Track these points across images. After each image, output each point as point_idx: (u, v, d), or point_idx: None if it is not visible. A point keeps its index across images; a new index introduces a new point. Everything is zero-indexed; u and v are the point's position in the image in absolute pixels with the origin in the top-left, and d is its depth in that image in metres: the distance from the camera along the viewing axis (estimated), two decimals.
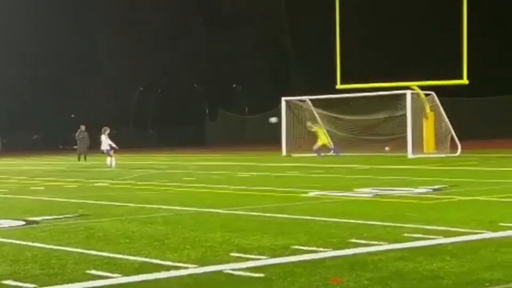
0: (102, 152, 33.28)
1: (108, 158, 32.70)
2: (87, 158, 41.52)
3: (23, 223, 12.27)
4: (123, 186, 20.97)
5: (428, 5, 66.13)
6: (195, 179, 23.25)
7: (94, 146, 45.45)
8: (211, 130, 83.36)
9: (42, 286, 7.29)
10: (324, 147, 41.28)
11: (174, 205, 14.65)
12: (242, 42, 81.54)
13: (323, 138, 41.59)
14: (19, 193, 18.97)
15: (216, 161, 38.32)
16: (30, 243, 9.92)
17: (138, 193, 18.21)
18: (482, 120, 58.87)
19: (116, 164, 32.50)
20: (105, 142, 33.06)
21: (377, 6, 68.18)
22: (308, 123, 42.16)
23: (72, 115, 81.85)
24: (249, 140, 69.69)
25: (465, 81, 35.74)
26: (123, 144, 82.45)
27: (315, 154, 40.23)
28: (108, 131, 33.56)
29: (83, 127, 42.98)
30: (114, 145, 32.95)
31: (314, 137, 41.85)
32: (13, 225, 12.07)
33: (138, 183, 21.96)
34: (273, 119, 39.55)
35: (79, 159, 41.32)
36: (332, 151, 41.43)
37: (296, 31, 78.58)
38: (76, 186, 21.46)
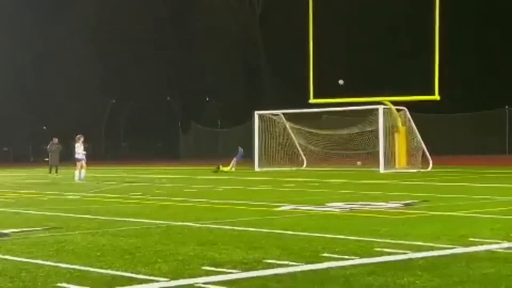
0: (77, 160, 32.67)
1: (77, 171, 32.29)
2: (58, 171, 41.26)
3: None
4: (94, 199, 20.87)
5: (401, 21, 66.61)
6: (167, 192, 23.19)
7: (66, 158, 45.23)
8: (184, 143, 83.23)
9: None
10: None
11: (146, 218, 14.60)
12: (215, 56, 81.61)
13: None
14: None
15: (188, 174, 38.25)
16: (0, 256, 9.84)
17: (109, 206, 18.12)
18: (453, 136, 59.29)
19: (85, 176, 32.25)
20: (80, 149, 32.78)
21: (351, 21, 68.63)
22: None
23: (44, 127, 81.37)
24: (222, 153, 69.63)
25: (436, 97, 36.03)
26: (96, 156, 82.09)
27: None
28: (82, 139, 33.26)
29: (55, 140, 42.70)
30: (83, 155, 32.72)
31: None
32: None
33: (110, 195, 21.86)
34: (341, 81, 39.59)
35: (50, 172, 41.05)
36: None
37: (269, 45, 78.78)
38: (47, 198, 21.32)
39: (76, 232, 12.49)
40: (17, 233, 12.36)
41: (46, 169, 42.89)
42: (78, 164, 32.55)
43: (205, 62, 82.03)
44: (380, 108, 38.09)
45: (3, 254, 9.97)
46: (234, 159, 41.89)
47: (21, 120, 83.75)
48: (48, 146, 43.02)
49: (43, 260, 9.44)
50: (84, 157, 32.70)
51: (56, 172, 40.68)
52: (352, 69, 66.98)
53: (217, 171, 39.99)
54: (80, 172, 32.24)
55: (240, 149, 42.47)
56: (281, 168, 41.72)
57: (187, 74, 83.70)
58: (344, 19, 67.92)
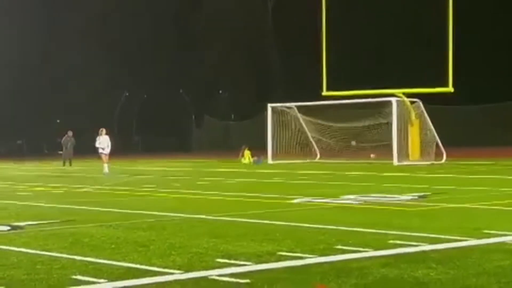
0: (102, 154, 32.15)
1: (105, 164, 31.79)
2: (72, 163, 41.41)
3: (8, 228, 12.22)
4: (109, 192, 20.92)
5: (414, 12, 66.34)
6: (181, 185, 23.23)
7: (79, 151, 45.37)
8: (197, 137, 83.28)
9: None
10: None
11: (159, 211, 14.63)
12: (227, 48, 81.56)
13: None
14: (4, 198, 18.89)
15: (201, 167, 38.29)
16: (15, 248, 9.88)
17: (123, 199, 18.17)
18: (467, 128, 59.07)
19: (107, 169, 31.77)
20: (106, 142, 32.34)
21: (364, 14, 68.43)
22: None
23: (58, 120, 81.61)
24: (235, 146, 69.62)
25: (450, 89, 35.88)
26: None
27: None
28: (104, 131, 32.84)
29: (70, 133, 42.88)
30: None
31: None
32: None
33: (124, 188, 21.91)
34: (354, 142, 40.24)
35: (64, 164, 41.19)
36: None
37: (282, 37, 78.66)
38: (62, 191, 21.39)
39: (91, 224, 12.53)
40: (32, 226, 12.41)
41: (60, 162, 43.05)
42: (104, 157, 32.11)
43: (217, 54, 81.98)
44: (394, 100, 37.98)
45: (18, 247, 10.01)
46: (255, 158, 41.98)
47: (34, 114, 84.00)
48: (63, 139, 43.15)
49: (58, 252, 9.48)
50: (102, 150, 32.22)
51: (70, 164, 40.85)
52: (365, 61, 66.90)
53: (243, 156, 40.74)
54: (105, 166, 31.77)
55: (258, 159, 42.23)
56: (294, 160, 41.69)
57: (199, 67, 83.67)
58: (357, 11, 67.71)
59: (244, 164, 41.04)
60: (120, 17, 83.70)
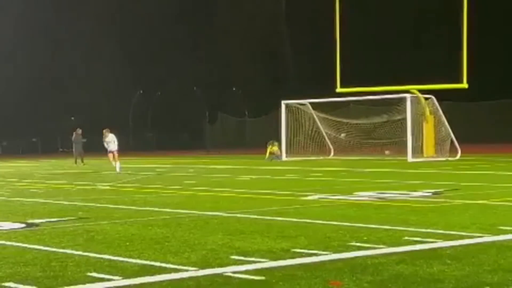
0: (112, 153, 31.51)
1: (115, 162, 30.96)
2: (84, 161, 41.52)
3: (24, 225, 12.28)
4: (123, 189, 20.97)
5: (428, 9, 66.16)
6: (195, 182, 23.25)
7: (91, 148, 45.47)
8: (211, 134, 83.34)
9: None
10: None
11: (174, 208, 14.65)
12: (241, 45, 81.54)
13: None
14: (19, 195, 18.97)
15: (215, 164, 38.33)
16: (30, 246, 9.93)
17: (138, 196, 18.21)
18: (481, 124, 58.85)
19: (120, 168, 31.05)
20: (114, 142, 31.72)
21: (377, 10, 68.28)
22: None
23: (72, 118, 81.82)
24: (249, 143, 69.69)
25: (464, 85, 35.72)
26: (122, 147, 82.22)
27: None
28: (109, 131, 32.26)
29: (79, 130, 42.95)
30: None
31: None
32: (14, 227, 12.07)
33: (138, 186, 21.96)
34: (343, 135, 40.20)
35: (75, 162, 41.30)
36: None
37: (296, 34, 78.58)
38: (76, 189, 21.46)
39: (106, 221, 12.57)
40: (47, 223, 12.46)
41: (73, 160, 43.12)
42: (110, 155, 31.75)
43: (230, 51, 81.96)
44: (408, 97, 37.89)
45: (33, 244, 10.06)
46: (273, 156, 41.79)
47: (49, 111, 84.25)
48: (73, 137, 43.26)
49: (73, 249, 9.52)
50: (109, 147, 31.72)
51: (82, 162, 40.92)
52: (379, 58, 66.79)
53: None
54: (116, 164, 30.98)
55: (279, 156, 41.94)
56: (308, 157, 41.66)
57: (213, 64, 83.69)
58: (371, 7, 67.57)
59: (266, 160, 40.74)
60: (133, 14, 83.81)
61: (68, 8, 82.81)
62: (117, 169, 30.43)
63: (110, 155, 31.73)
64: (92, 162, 41.33)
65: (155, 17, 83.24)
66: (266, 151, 42.47)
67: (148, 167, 35.95)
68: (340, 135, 41.92)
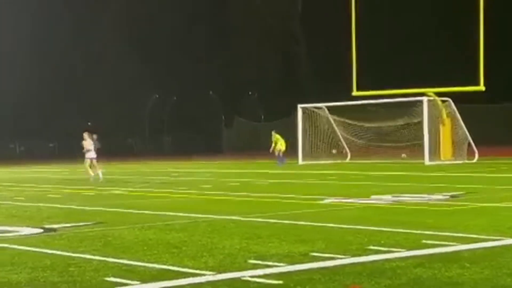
0: (91, 160, 28.81)
1: (93, 170, 28.58)
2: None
3: (41, 230, 12.31)
4: (139, 193, 21.01)
5: (445, 10, 65.94)
6: (212, 186, 23.26)
7: (109, 153, 45.60)
8: (227, 137, 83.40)
9: None
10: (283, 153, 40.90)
11: (191, 212, 14.65)
12: (257, 50, 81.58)
13: (283, 144, 41.19)
14: (37, 201, 19.04)
15: (232, 168, 38.33)
16: (48, 251, 9.95)
17: (154, 201, 18.23)
18: (499, 126, 58.52)
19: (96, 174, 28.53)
20: (92, 147, 28.92)
21: (394, 12, 68.13)
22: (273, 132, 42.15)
23: (89, 123, 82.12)
24: (265, 147, 69.61)
25: (481, 87, 35.53)
26: (139, 151, 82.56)
27: (279, 162, 39.73)
28: (89, 134, 29.48)
29: (94, 136, 43.13)
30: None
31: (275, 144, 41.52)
32: (32, 232, 12.11)
33: (155, 190, 21.99)
34: (334, 151, 40.09)
35: (90, 167, 41.47)
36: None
37: (311, 37, 78.52)
38: (93, 193, 21.51)
39: (123, 226, 12.58)
40: (65, 228, 12.49)
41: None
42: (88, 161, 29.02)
43: (245, 55, 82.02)
44: (424, 99, 37.77)
45: (51, 249, 10.08)
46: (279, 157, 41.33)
47: (66, 116, 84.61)
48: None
49: (91, 254, 9.53)
50: (88, 154, 28.97)
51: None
52: (396, 61, 66.61)
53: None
54: (96, 171, 28.63)
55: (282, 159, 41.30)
56: (324, 161, 41.59)
57: (228, 68, 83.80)
58: (387, 10, 67.44)
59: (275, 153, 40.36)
60: (149, 18, 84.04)
61: (87, 14, 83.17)
62: (100, 176, 28.12)
63: (88, 161, 28.85)
64: (107, 166, 41.37)
65: (171, 22, 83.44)
66: (270, 143, 41.89)
67: (165, 171, 36.00)
68: (332, 151, 41.78)
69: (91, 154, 28.94)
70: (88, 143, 29.24)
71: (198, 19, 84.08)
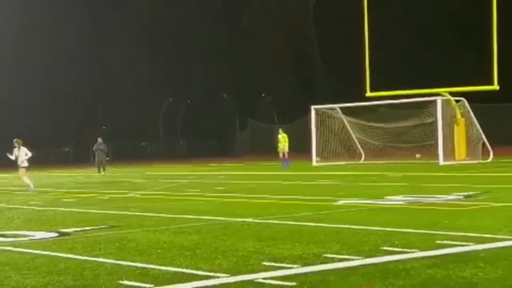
0: (23, 167, 26.73)
1: (25, 177, 26.72)
2: (106, 169, 41.96)
3: (56, 235, 12.36)
4: (153, 197, 21.05)
5: (458, 10, 65.73)
6: (226, 188, 23.28)
7: (123, 157, 45.71)
8: (241, 140, 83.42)
9: None
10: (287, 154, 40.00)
11: (204, 215, 14.67)
12: (270, 52, 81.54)
13: (286, 141, 40.37)
14: (51, 205, 19.11)
15: (246, 170, 38.34)
16: (63, 255, 9.98)
17: (168, 203, 18.26)
18: None
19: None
20: (23, 154, 26.84)
21: (406, 13, 67.94)
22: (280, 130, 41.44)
23: (104, 127, 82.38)
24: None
25: (496, 86, 35.45)
26: (153, 155, 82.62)
27: (283, 164, 39.01)
28: (21, 142, 27.08)
29: (100, 140, 43.45)
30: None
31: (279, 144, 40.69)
32: (46, 237, 12.15)
33: (169, 193, 22.03)
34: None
35: (98, 171, 41.73)
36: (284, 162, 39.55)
37: (324, 39, 78.44)
38: (107, 197, 21.58)
39: (137, 229, 12.61)
40: (79, 232, 12.53)
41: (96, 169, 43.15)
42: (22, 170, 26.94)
43: (259, 58, 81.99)
44: (438, 99, 37.69)
45: (65, 253, 10.12)
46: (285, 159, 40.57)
47: (81, 121, 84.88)
48: (94, 147, 43.67)
49: (105, 258, 9.56)
50: (23, 163, 26.91)
51: (104, 170, 41.37)
52: (409, 61, 66.44)
53: None
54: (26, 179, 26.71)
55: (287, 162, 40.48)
56: (338, 162, 41.55)
57: (241, 71, 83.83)
58: (400, 10, 67.25)
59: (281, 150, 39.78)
60: (164, 22, 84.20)
61: (102, 17, 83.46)
62: (31, 186, 26.18)
63: (23, 170, 26.81)
64: (120, 170, 41.55)
65: (183, 25, 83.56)
66: (277, 142, 41.17)
67: (179, 174, 36.05)
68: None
69: (26, 164, 27.02)
70: (22, 152, 27.06)
71: (212, 23, 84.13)
